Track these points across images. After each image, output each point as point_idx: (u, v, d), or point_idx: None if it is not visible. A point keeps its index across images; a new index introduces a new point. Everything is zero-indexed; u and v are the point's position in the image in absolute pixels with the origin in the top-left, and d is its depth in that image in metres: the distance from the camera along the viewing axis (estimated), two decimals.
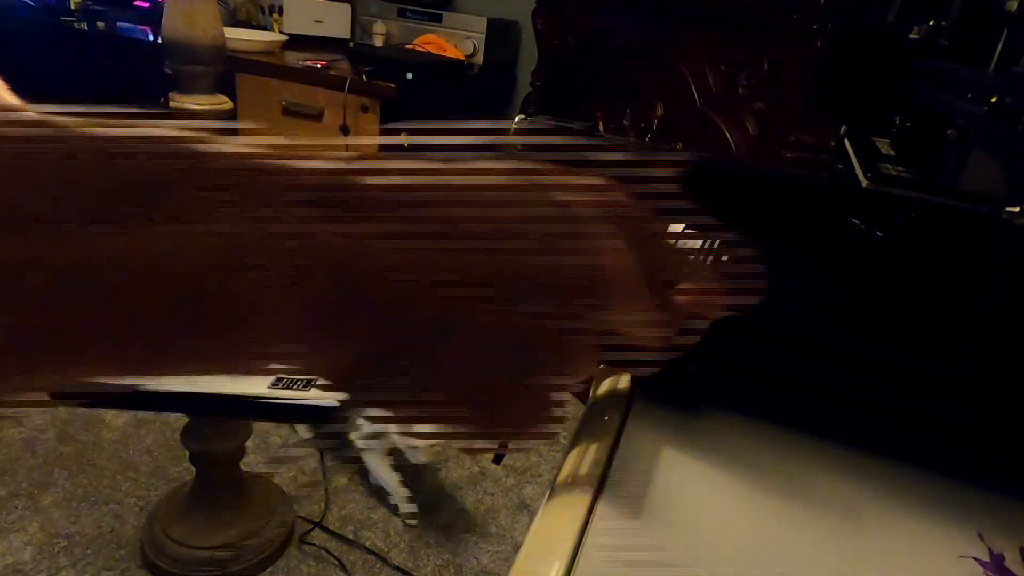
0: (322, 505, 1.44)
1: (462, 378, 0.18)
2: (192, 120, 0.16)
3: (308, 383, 0.31)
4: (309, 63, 1.77)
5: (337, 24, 2.18)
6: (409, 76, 1.72)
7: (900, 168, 0.40)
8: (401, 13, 2.13)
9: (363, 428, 1.38)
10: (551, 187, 0.20)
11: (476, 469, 1.54)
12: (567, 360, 0.19)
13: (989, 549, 0.32)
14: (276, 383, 0.31)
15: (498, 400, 0.19)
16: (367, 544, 1.38)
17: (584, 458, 0.36)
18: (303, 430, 1.58)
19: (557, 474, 0.36)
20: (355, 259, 0.16)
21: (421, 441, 1.24)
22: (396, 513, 1.43)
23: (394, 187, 0.18)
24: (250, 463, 1.48)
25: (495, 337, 0.18)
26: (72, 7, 1.88)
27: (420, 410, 0.18)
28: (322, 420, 0.31)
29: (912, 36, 0.50)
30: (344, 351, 0.16)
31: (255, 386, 0.31)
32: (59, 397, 0.31)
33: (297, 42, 2.06)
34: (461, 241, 0.18)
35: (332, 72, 1.73)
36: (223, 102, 1.09)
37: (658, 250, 0.22)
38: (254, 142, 0.17)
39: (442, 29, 2.08)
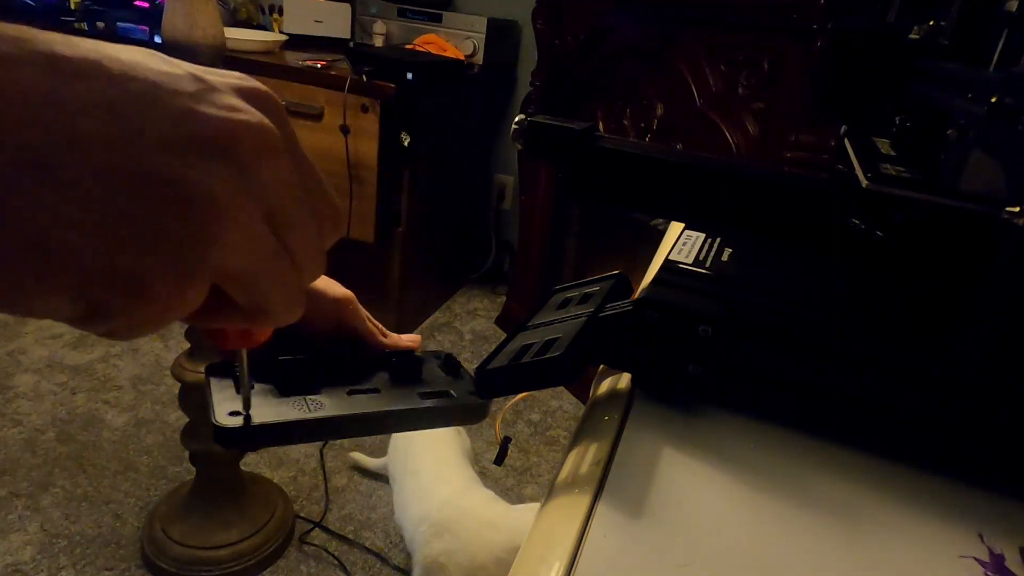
0: (322, 505, 1.44)
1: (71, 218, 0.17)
2: None
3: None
4: (309, 63, 1.77)
5: (337, 24, 2.17)
6: (409, 76, 1.71)
7: (900, 168, 0.40)
8: (401, 13, 2.12)
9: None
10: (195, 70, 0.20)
11: (477, 469, 1.53)
12: (194, 216, 0.18)
13: (989, 549, 0.32)
14: None
15: (115, 246, 0.17)
16: (367, 544, 1.38)
17: (584, 458, 0.36)
18: None
19: (557, 474, 0.36)
20: None
21: None
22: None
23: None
24: (250, 463, 1.48)
25: (107, 181, 0.17)
26: (72, 7, 1.88)
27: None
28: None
29: (912, 36, 0.50)
30: None
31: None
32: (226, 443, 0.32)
33: (297, 42, 2.06)
34: (80, 77, 0.17)
35: (332, 72, 1.73)
36: None
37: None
38: None
39: (442, 29, 2.08)
